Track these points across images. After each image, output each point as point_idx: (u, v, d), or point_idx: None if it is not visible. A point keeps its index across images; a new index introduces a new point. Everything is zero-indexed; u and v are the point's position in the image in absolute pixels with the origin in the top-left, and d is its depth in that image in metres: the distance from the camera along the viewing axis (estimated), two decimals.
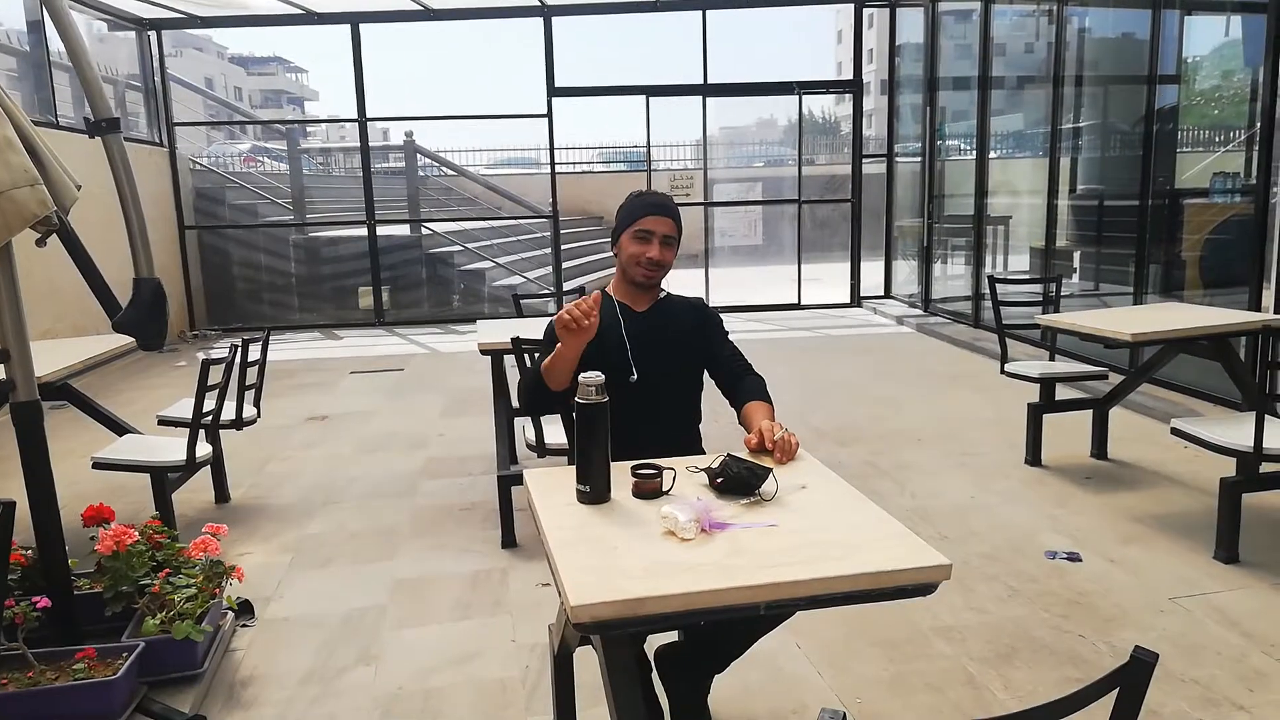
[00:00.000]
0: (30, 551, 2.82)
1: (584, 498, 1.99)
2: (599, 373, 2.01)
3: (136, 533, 2.88)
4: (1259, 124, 5.37)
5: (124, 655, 2.59)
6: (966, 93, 9.23)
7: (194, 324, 9.80)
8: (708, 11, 10.10)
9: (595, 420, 1.98)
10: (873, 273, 10.83)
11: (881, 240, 10.86)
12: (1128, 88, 7.23)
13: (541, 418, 3.66)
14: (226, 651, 3.00)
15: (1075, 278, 8.20)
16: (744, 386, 2.61)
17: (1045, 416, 4.68)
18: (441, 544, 3.90)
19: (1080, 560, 3.54)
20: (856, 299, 10.61)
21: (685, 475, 2.11)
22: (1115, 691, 1.18)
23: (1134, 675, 1.16)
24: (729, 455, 2.10)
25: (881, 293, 10.77)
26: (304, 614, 3.30)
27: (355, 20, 9.69)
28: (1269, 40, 5.08)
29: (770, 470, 2.04)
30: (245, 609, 3.27)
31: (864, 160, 10.66)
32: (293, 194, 11.34)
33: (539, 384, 2.44)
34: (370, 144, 10.01)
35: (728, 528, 1.85)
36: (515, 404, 4.49)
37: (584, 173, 19.01)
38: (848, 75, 10.64)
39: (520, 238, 12.25)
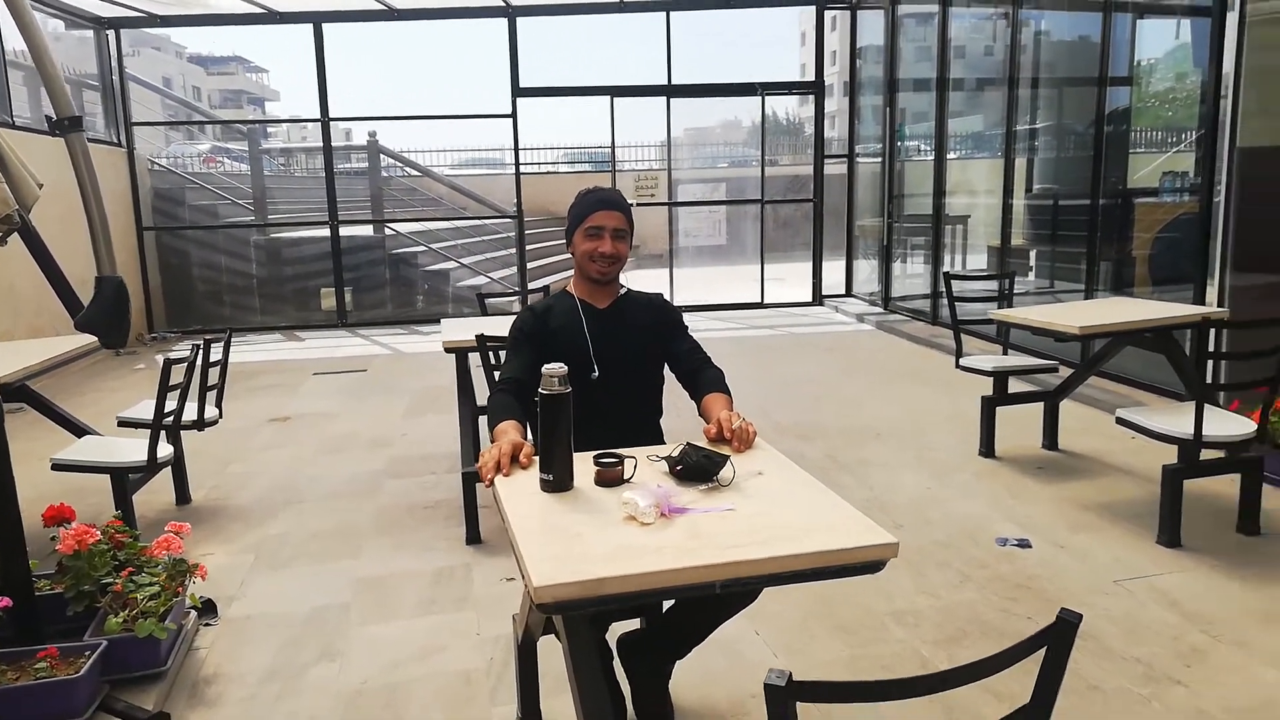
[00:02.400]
0: None
1: (547, 486, 2.03)
2: (561, 364, 2.06)
3: (98, 532, 2.87)
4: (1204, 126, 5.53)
5: (86, 654, 2.58)
6: (925, 94, 9.40)
7: (153, 326, 9.68)
8: (672, 13, 10.18)
9: (558, 411, 2.02)
10: (834, 271, 10.98)
11: (843, 240, 11.01)
12: (1081, 90, 7.40)
13: None
14: (190, 650, 3.00)
15: (1031, 275, 8.40)
16: (703, 379, 2.67)
17: (999, 410, 4.80)
18: (405, 542, 3.92)
19: (1030, 546, 3.66)
20: (819, 298, 10.74)
21: (646, 464, 2.16)
22: (1044, 649, 1.25)
23: (1060, 635, 1.24)
24: (688, 444, 2.17)
25: (843, 291, 10.92)
26: (267, 612, 3.30)
27: (318, 20, 9.63)
28: (1212, 44, 5.25)
29: (728, 458, 2.10)
30: (208, 608, 3.27)
31: (826, 161, 10.80)
32: (254, 194, 11.23)
33: (516, 389, 2.49)
34: (333, 144, 9.95)
35: (687, 512, 1.90)
36: (482, 403, 4.54)
37: (549, 173, 19.01)
38: (810, 77, 10.78)
39: (485, 238, 12.24)
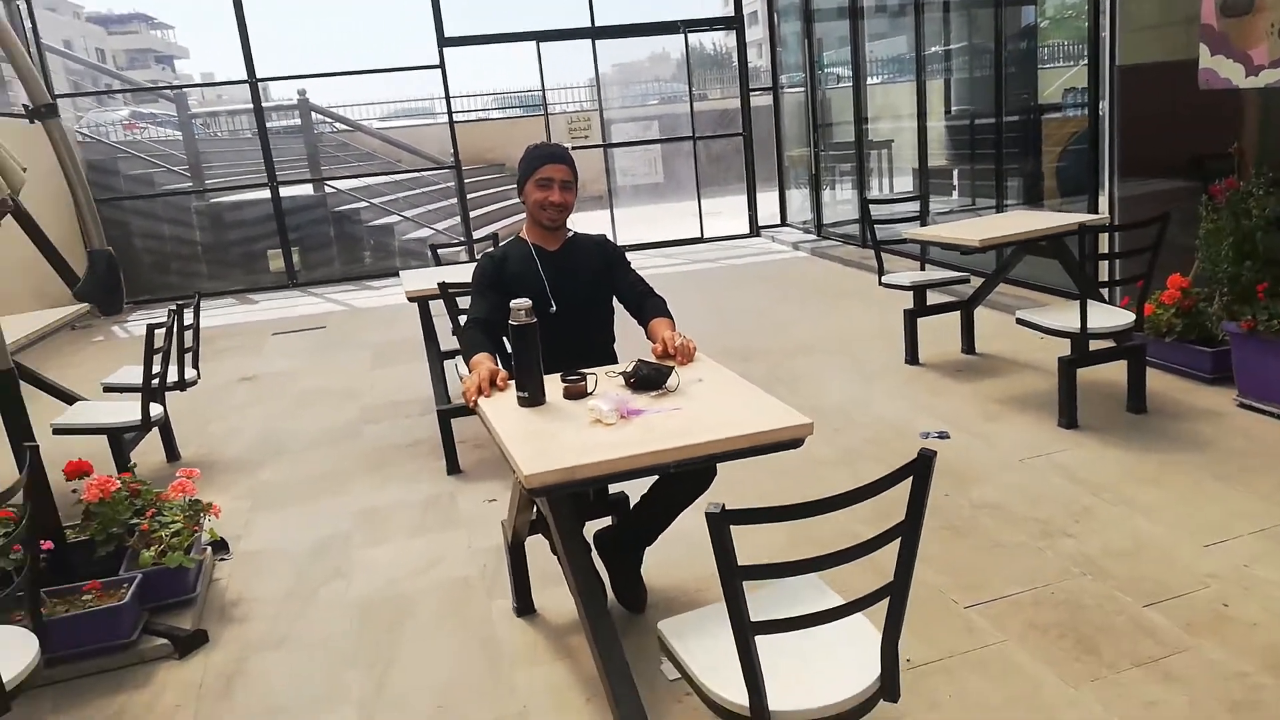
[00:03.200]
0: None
1: (524, 402, 2.41)
2: (526, 299, 2.43)
3: (118, 481, 3.18)
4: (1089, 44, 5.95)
5: (125, 586, 2.92)
6: (841, 22, 9.71)
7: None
8: None
9: (527, 338, 2.39)
10: (770, 203, 11.37)
11: (776, 171, 11.38)
12: (987, 10, 7.77)
13: None
14: (210, 581, 3.35)
15: (954, 194, 8.89)
16: (648, 306, 3.06)
17: (919, 321, 5.28)
18: (391, 477, 4.28)
19: (949, 437, 4.15)
20: (755, 229, 11.14)
21: (605, 379, 2.55)
22: (910, 478, 1.67)
23: (921, 467, 1.65)
24: (640, 360, 2.56)
25: (778, 221, 11.33)
26: (274, 546, 3.66)
27: None
28: None
29: (673, 369, 2.51)
30: (221, 546, 3.61)
31: (751, 94, 11.10)
32: (189, 160, 11.18)
33: (488, 325, 2.85)
34: (261, 104, 9.95)
35: (642, 413, 2.30)
36: (445, 347, 4.86)
37: (482, 120, 18.95)
38: (731, 11, 11.00)
39: (426, 189, 12.35)
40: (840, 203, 10.41)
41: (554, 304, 2.96)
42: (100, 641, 2.79)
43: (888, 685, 1.78)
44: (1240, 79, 4.62)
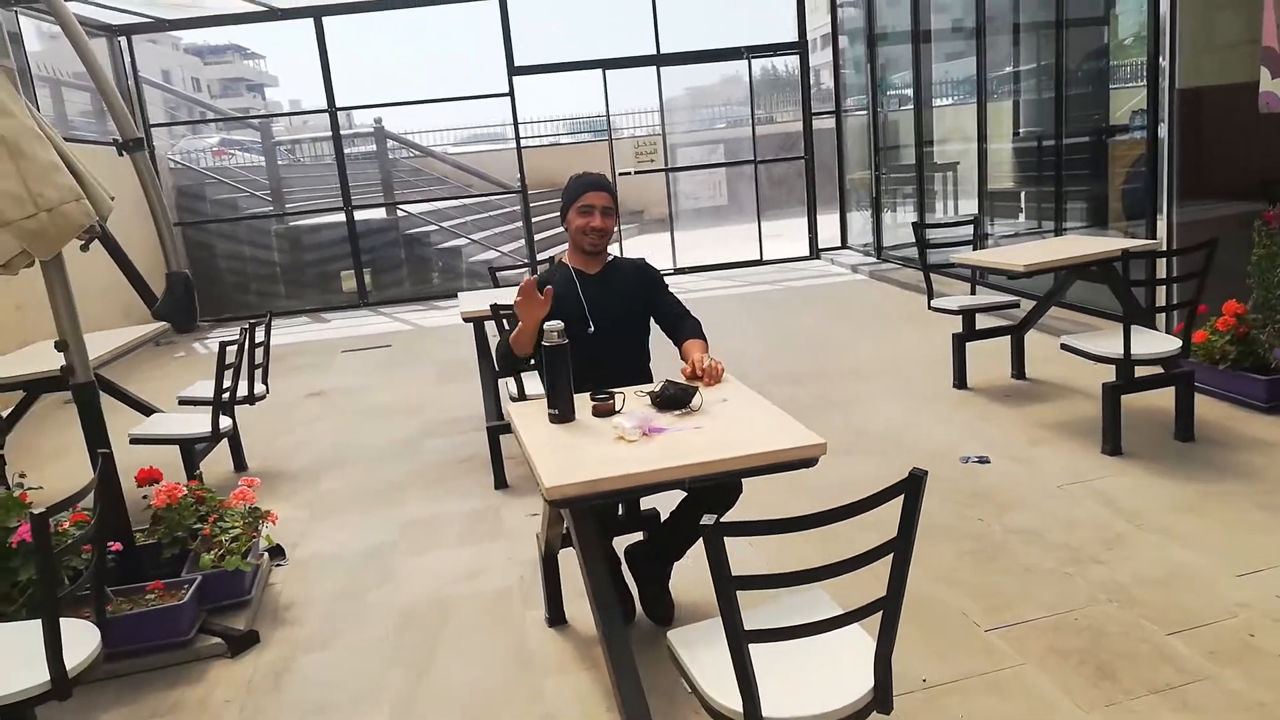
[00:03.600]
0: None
1: (554, 419, 2.55)
2: (559, 321, 2.57)
3: (184, 488, 3.41)
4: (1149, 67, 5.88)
5: (185, 587, 3.14)
6: (904, 45, 9.71)
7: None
8: None
9: (558, 358, 2.53)
10: (829, 225, 11.38)
11: (838, 194, 11.39)
12: (1054, 32, 7.69)
13: (521, 374, 4.20)
14: (266, 585, 3.56)
15: (1021, 217, 8.78)
16: (682, 328, 3.17)
17: (972, 344, 5.26)
18: (443, 490, 4.46)
19: (989, 462, 4.14)
20: (815, 251, 11.15)
21: (633, 398, 2.67)
22: (902, 495, 1.73)
23: (913, 484, 1.72)
24: (667, 380, 2.67)
25: (838, 244, 11.32)
26: (328, 552, 3.86)
27: (318, 14, 10.05)
28: None
29: (697, 389, 2.61)
30: (277, 552, 3.82)
31: (814, 117, 11.14)
32: (270, 185, 11.74)
33: (510, 349, 2.98)
34: (341, 132, 10.41)
35: (664, 431, 2.41)
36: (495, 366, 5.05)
37: (551, 145, 19.36)
38: (794, 36, 11.08)
39: (492, 213, 12.71)
40: (900, 225, 10.36)
41: (592, 324, 3.09)
42: (160, 639, 3.01)
43: (880, 697, 1.84)
44: None
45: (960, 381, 5.24)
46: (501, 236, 11.97)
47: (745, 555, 3.39)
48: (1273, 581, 2.91)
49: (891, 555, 1.82)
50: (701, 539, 1.68)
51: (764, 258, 11.05)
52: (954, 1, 9.42)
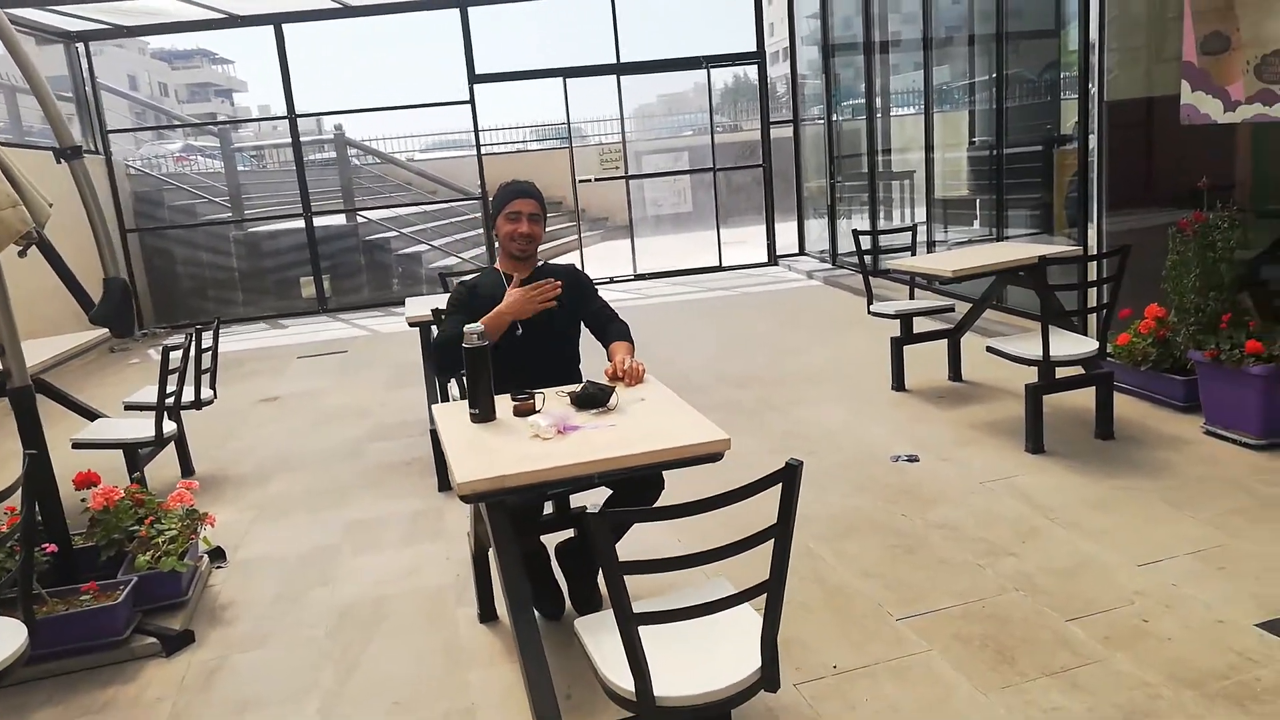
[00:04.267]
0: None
1: (475, 418, 2.63)
2: (479, 324, 2.65)
3: (122, 491, 3.45)
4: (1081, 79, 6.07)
5: (121, 588, 3.18)
6: (858, 56, 9.91)
7: (143, 323, 10.20)
8: None
9: (478, 359, 2.61)
10: (789, 232, 11.55)
11: (796, 201, 11.57)
12: (1004, 45, 7.90)
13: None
14: (205, 587, 3.60)
15: (976, 224, 8.98)
16: (610, 331, 3.27)
17: (908, 348, 5.41)
18: (387, 493, 4.52)
19: (918, 460, 4.28)
20: (773, 258, 11.32)
21: (553, 398, 2.76)
22: (780, 484, 1.83)
23: (789, 475, 1.82)
24: (588, 381, 2.76)
25: (796, 250, 11.49)
26: (269, 554, 3.90)
27: (278, 21, 10.06)
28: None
29: (614, 389, 2.70)
30: (217, 554, 3.86)
31: (773, 126, 11.32)
32: (230, 192, 11.70)
33: (449, 343, 3.05)
34: (301, 138, 10.42)
35: (579, 429, 2.50)
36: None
37: (517, 152, 19.45)
38: (755, 46, 11.25)
39: (454, 219, 12.75)
40: (864, 232, 10.51)
41: (519, 327, 3.17)
42: (93, 639, 3.04)
43: (768, 675, 1.94)
44: (1219, 114, 4.73)
45: (899, 384, 5.38)
46: (462, 243, 12.03)
47: (672, 548, 3.49)
48: (1170, 571, 3.05)
49: (773, 541, 1.90)
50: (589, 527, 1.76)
51: (723, 264, 11.20)
52: (905, 15, 9.63)
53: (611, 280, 10.80)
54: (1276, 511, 3.45)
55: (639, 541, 3.32)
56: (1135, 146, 5.54)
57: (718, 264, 11.20)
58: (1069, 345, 4.21)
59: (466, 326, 2.64)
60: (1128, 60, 5.59)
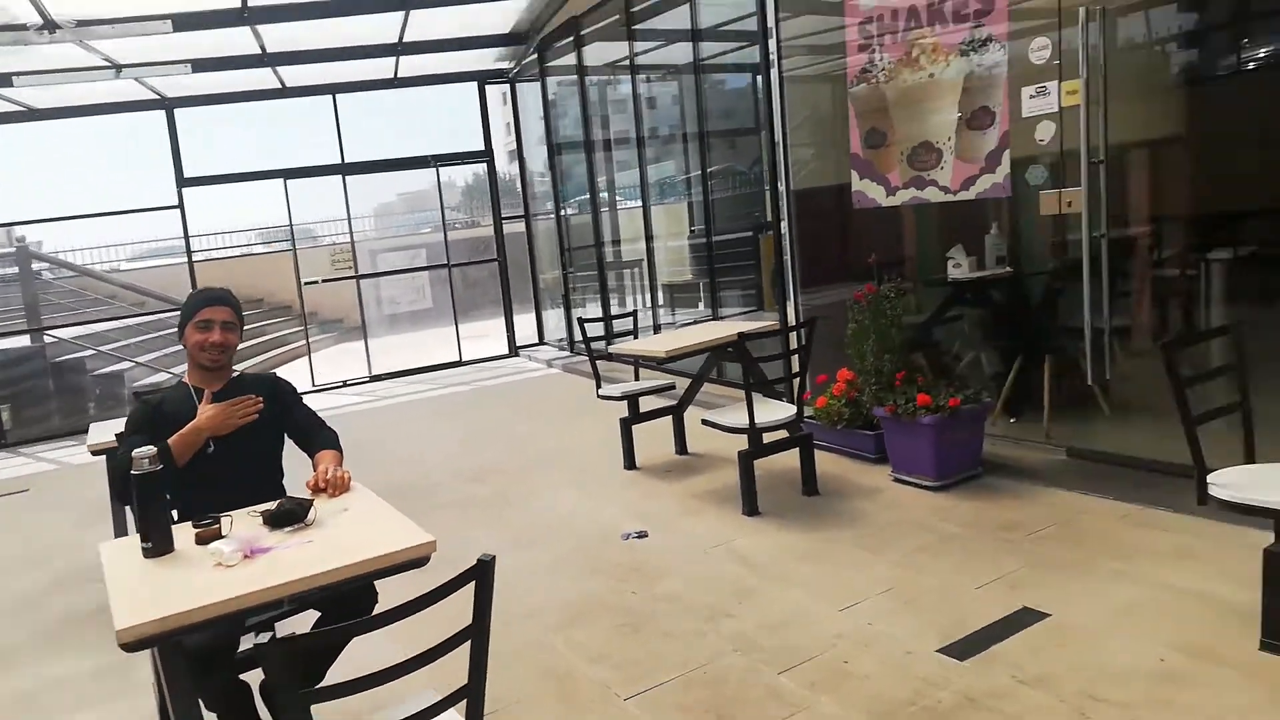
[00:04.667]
0: None
1: (148, 553, 2.38)
2: (151, 447, 2.42)
3: None
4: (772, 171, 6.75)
5: None
6: (581, 154, 10.41)
7: None
8: (338, 95, 10.52)
9: (148, 487, 2.38)
10: (528, 324, 11.72)
11: (533, 293, 11.80)
12: (709, 142, 8.62)
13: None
14: None
15: (701, 306, 9.58)
16: (316, 440, 3.11)
17: (636, 427, 5.61)
18: (65, 650, 3.95)
19: (647, 536, 4.40)
20: (514, 349, 11.41)
21: (244, 518, 2.57)
22: (474, 581, 1.81)
23: (483, 571, 1.80)
24: (285, 497, 2.60)
25: (536, 340, 11.67)
26: None
27: None
28: (767, 98, 6.43)
29: (313, 502, 2.56)
30: None
31: (506, 221, 11.56)
32: None
33: (121, 468, 2.75)
34: None
35: (270, 550, 2.33)
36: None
37: (239, 256, 18.45)
38: (493, 144, 11.50)
39: (164, 332, 11.73)
40: (589, 320, 10.87)
41: (211, 444, 2.94)
42: None
43: None
44: (883, 198, 5.42)
45: (630, 462, 5.55)
46: (172, 358, 11.07)
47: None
48: (866, 611, 3.33)
49: (470, 643, 1.86)
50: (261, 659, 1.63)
51: (463, 359, 11.12)
52: (618, 116, 10.28)
53: (345, 384, 10.38)
54: (952, 545, 3.88)
55: (366, 655, 3.11)
56: (822, 229, 6.20)
57: (458, 359, 11.10)
58: (772, 412, 4.55)
59: (135, 450, 2.40)
60: (813, 154, 6.28)
